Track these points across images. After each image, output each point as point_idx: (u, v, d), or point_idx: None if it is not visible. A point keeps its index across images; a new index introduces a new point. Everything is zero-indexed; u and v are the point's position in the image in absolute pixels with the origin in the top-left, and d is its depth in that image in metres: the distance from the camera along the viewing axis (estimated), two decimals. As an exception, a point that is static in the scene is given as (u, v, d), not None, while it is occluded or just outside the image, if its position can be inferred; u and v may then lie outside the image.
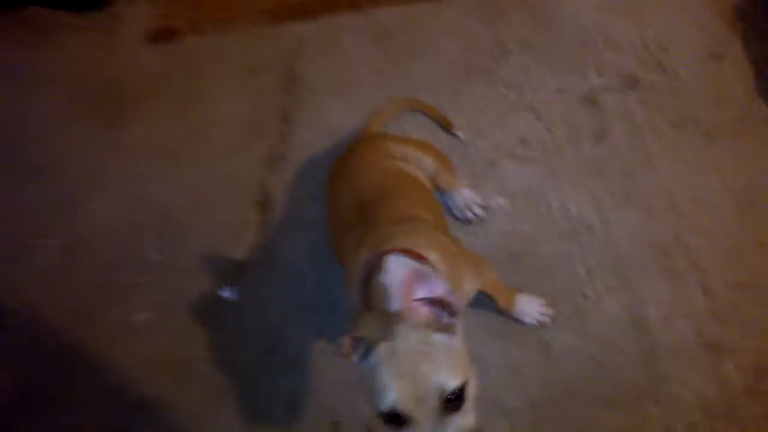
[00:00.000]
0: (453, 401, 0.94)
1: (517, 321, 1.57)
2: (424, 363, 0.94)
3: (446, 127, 1.74)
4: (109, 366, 1.67)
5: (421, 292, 0.98)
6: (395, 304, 0.99)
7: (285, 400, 1.60)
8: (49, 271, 1.77)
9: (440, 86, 1.79)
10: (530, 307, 1.56)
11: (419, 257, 1.05)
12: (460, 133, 1.71)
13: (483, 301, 1.53)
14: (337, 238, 1.40)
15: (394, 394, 0.93)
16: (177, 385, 1.64)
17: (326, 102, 1.82)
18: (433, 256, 1.09)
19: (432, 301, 0.98)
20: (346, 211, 1.36)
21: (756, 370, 1.49)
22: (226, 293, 1.69)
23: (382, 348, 0.95)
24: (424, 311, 0.98)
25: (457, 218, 1.65)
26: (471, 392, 0.97)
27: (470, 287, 1.27)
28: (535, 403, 1.53)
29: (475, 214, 1.65)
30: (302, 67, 1.86)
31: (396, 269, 0.98)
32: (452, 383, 0.94)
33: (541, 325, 1.57)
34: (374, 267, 1.04)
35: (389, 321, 0.96)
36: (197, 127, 1.84)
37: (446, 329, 0.97)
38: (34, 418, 1.65)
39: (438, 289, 0.98)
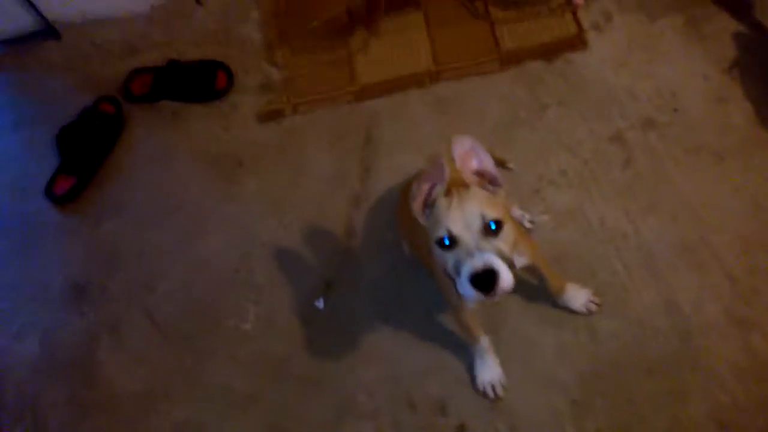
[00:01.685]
0: (492, 231, 1.23)
1: (567, 308, 1.80)
2: (471, 202, 1.25)
3: (500, 163, 2.05)
4: (220, 364, 1.96)
5: (474, 163, 1.29)
6: None
7: (366, 388, 1.83)
8: (175, 293, 2.10)
9: (490, 137, 2.13)
10: (579, 295, 1.79)
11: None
12: (512, 165, 2.02)
13: (538, 293, 1.78)
14: (408, 231, 1.71)
15: (448, 222, 1.23)
16: (274, 382, 1.90)
17: (397, 154, 2.17)
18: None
19: (481, 173, 1.30)
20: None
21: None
22: (320, 304, 1.98)
23: (441, 199, 1.27)
24: (476, 178, 1.29)
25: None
26: (507, 232, 1.26)
27: (523, 250, 1.53)
28: (585, 376, 1.72)
29: (524, 227, 1.93)
30: (377, 130, 2.24)
31: (459, 144, 1.26)
32: (491, 215, 1.24)
33: (589, 312, 1.78)
34: None
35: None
36: (296, 180, 2.21)
37: (493, 192, 1.29)
38: (150, 411, 1.92)
39: (487, 163, 1.30)
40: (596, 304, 1.79)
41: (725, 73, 2.07)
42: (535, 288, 1.80)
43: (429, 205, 1.32)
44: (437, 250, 1.29)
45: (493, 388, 1.74)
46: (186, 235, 2.20)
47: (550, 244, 1.89)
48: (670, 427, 1.63)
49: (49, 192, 2.36)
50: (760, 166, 1.90)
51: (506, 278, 1.22)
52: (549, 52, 2.26)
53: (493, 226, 1.25)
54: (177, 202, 2.27)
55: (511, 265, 1.24)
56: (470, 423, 1.73)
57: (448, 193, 1.30)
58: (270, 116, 2.37)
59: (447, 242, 1.26)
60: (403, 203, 1.84)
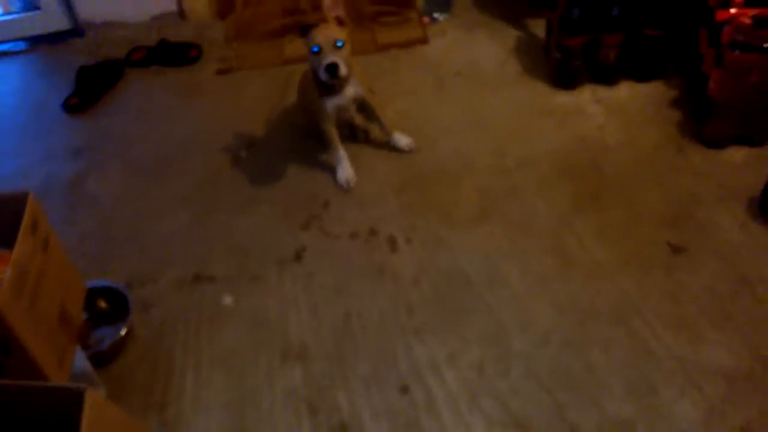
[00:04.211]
0: (339, 47, 2.25)
1: (396, 149, 2.76)
2: (330, 30, 2.27)
3: (371, 91, 3.09)
4: (171, 183, 2.80)
5: (335, 12, 2.33)
6: None
7: (269, 191, 2.71)
8: (146, 153, 2.98)
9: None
10: (404, 138, 2.74)
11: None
12: (374, 90, 3.07)
13: (382, 145, 2.76)
14: (302, 104, 2.72)
15: (318, 39, 2.25)
16: (206, 191, 2.74)
17: (305, 89, 3.22)
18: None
19: (338, 17, 2.32)
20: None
21: (541, 179, 2.65)
22: (243, 153, 2.89)
23: (315, 29, 2.28)
24: (335, 19, 2.32)
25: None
26: (347, 48, 2.29)
27: (362, 83, 2.54)
28: (404, 179, 2.63)
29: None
30: (293, 77, 3.29)
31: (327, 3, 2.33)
32: (340, 37, 2.26)
33: (410, 150, 2.76)
34: None
35: None
36: (237, 101, 3.19)
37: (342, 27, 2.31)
38: (122, 208, 2.73)
39: (341, 12, 2.33)
40: (414, 145, 2.76)
41: (510, 52, 3.26)
42: (379, 143, 2.78)
43: (306, 35, 2.35)
44: (311, 57, 2.32)
45: (348, 182, 2.64)
46: (156, 125, 3.11)
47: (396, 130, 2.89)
48: (452, 199, 2.52)
49: (64, 104, 3.27)
50: (516, 92, 3.01)
51: (343, 68, 2.27)
52: (405, 44, 3.43)
53: (340, 44, 2.29)
54: (154, 111, 3.22)
55: (347, 66, 2.29)
56: (332, 200, 2.59)
57: (317, 25, 2.34)
58: (224, 71, 3.42)
59: (316, 50, 2.29)
60: (299, 90, 2.85)
